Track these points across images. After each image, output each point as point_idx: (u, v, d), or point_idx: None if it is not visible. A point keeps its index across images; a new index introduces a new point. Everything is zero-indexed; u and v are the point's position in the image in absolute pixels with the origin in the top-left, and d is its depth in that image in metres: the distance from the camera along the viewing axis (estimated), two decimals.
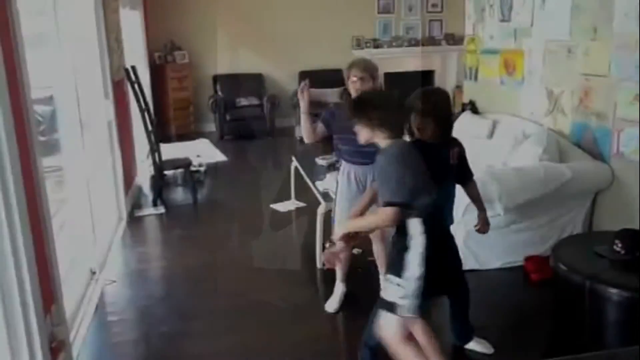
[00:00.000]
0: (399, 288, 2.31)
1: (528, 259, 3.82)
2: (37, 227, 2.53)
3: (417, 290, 2.29)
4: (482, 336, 3.07)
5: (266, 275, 3.95)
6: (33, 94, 2.73)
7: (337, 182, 3.37)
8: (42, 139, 3.80)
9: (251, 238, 4.53)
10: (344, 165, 3.30)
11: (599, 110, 4.07)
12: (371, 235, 3.45)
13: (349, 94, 3.26)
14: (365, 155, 3.26)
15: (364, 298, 3.57)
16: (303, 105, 3.26)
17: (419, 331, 2.52)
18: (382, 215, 2.28)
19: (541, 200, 3.78)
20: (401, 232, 2.34)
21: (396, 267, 2.33)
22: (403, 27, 9.58)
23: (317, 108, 9.78)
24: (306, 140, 3.37)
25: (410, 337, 2.45)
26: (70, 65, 3.81)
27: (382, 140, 2.39)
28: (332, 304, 3.44)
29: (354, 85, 3.21)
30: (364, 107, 2.43)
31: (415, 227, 2.29)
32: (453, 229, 2.87)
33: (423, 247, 2.28)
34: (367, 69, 3.23)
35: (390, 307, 2.35)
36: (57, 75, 3.69)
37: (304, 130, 3.35)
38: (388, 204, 2.24)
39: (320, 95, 8.63)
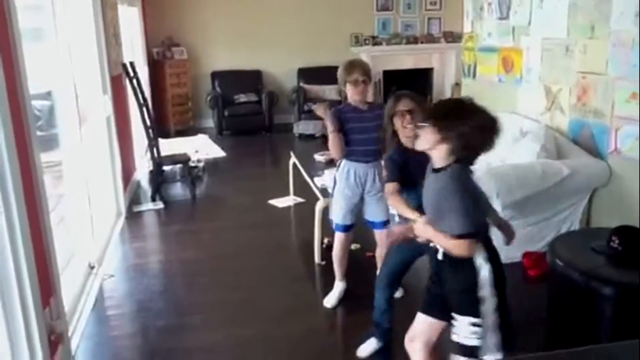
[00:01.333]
0: (475, 328, 2.08)
1: (526, 255, 3.84)
2: (36, 222, 2.54)
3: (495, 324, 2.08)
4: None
5: (264, 270, 3.96)
6: (31, 88, 2.74)
7: (335, 180, 3.37)
8: (40, 134, 3.81)
9: (249, 233, 4.54)
10: (344, 163, 3.30)
11: (596, 107, 4.08)
12: (378, 239, 3.47)
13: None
14: (369, 154, 3.27)
15: (362, 293, 3.59)
16: (332, 124, 3.14)
17: None
18: (461, 247, 2.03)
19: (539, 197, 3.79)
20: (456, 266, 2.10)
21: (467, 306, 2.09)
22: (402, 25, 9.59)
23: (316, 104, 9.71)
24: (337, 157, 3.30)
25: None
26: (68, 60, 3.81)
27: (447, 158, 2.07)
28: (330, 300, 3.45)
29: (357, 87, 3.15)
30: (461, 114, 2.09)
31: (480, 255, 2.08)
32: None
33: (491, 274, 2.07)
34: (368, 71, 3.21)
35: (470, 351, 2.11)
36: (56, 70, 3.69)
37: (336, 148, 3.19)
38: (462, 235, 2.00)
39: (318, 92, 8.65)
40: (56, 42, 3.65)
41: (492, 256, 2.14)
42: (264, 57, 8.92)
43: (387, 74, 9.64)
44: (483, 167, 4.20)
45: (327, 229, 3.78)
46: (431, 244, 2.20)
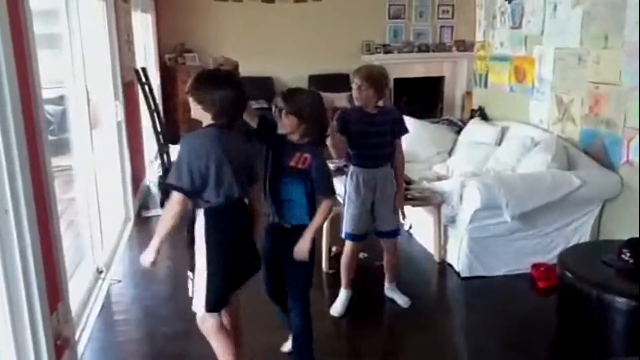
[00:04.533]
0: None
1: (534, 266, 3.80)
2: (45, 226, 2.55)
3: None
4: (484, 344, 3.05)
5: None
6: (44, 93, 2.76)
7: (345, 189, 3.36)
8: (52, 138, 3.84)
9: (258, 240, 4.52)
10: (352, 170, 3.29)
11: (609, 118, 4.05)
12: (384, 245, 3.46)
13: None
14: (376, 158, 3.27)
15: (369, 302, 3.58)
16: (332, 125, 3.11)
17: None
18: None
19: (549, 208, 3.76)
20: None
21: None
22: (413, 33, 9.59)
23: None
24: (337, 158, 3.31)
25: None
26: (81, 65, 3.84)
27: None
28: (337, 308, 3.44)
29: (355, 92, 3.19)
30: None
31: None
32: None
33: (207, 231, 2.38)
34: (369, 76, 3.17)
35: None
36: (68, 75, 3.72)
37: (339, 149, 3.14)
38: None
39: (329, 99, 8.66)
40: (70, 48, 3.68)
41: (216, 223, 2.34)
42: (275, 63, 8.95)
43: (398, 82, 9.63)
44: (492, 175, 4.18)
45: (336, 238, 3.77)
46: None
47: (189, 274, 2.42)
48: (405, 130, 3.38)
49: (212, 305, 2.39)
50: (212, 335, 2.46)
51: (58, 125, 4.35)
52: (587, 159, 4.17)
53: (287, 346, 2.97)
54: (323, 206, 2.58)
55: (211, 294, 2.35)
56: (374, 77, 3.18)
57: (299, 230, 2.59)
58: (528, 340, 3.14)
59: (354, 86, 3.19)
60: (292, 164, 2.56)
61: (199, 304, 2.38)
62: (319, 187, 2.57)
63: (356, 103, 3.24)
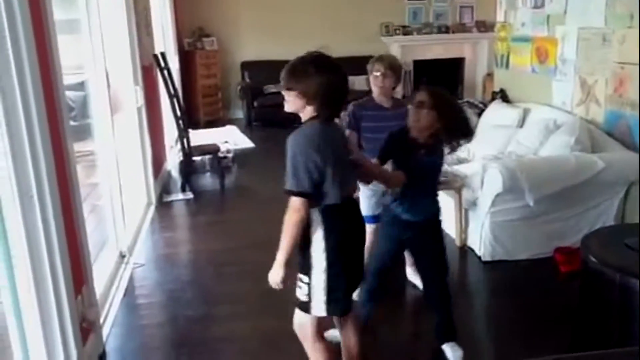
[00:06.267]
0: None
1: (558, 250, 3.76)
2: (69, 211, 2.58)
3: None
4: (506, 329, 3.05)
5: (291, 261, 3.95)
6: (65, 79, 2.78)
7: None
8: (74, 124, 3.87)
9: (277, 225, 4.53)
10: None
11: (634, 99, 3.97)
12: None
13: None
14: None
15: (391, 286, 3.57)
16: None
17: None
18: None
19: (572, 191, 3.71)
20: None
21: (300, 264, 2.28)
22: (433, 14, 9.47)
23: None
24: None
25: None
26: (101, 51, 3.86)
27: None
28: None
29: (376, 80, 3.18)
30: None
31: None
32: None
33: (325, 237, 2.18)
34: (392, 65, 3.20)
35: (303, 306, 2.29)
36: (89, 61, 3.74)
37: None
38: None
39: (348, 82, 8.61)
40: (89, 33, 3.69)
41: (335, 222, 2.17)
42: (293, 47, 8.79)
43: (418, 64, 9.55)
44: (514, 159, 4.13)
45: None
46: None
47: (302, 276, 2.23)
48: None
49: (334, 308, 2.24)
50: (308, 342, 2.35)
51: (80, 110, 4.38)
52: (612, 141, 4.09)
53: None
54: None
55: (332, 295, 2.20)
56: (396, 66, 3.23)
57: (424, 225, 2.69)
58: (550, 325, 3.12)
59: (376, 74, 3.17)
60: (412, 164, 2.55)
61: (317, 307, 2.22)
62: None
63: (375, 92, 3.22)
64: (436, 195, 2.78)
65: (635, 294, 2.64)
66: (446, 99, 2.59)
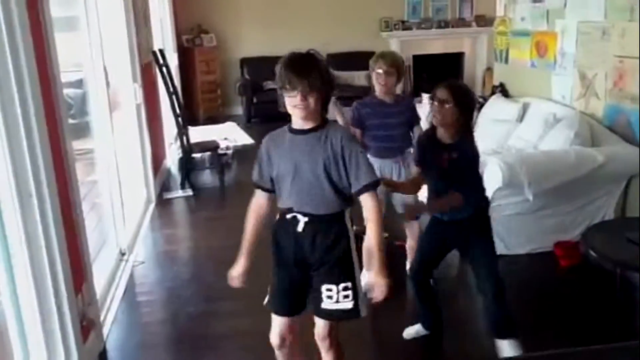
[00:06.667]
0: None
1: (558, 244, 3.76)
2: (68, 209, 2.58)
3: None
4: (507, 322, 3.05)
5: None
6: (64, 77, 2.77)
7: None
8: (73, 121, 3.87)
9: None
10: (372, 161, 3.27)
11: (633, 93, 3.95)
12: (407, 231, 3.45)
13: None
14: (393, 150, 3.25)
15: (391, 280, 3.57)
16: (347, 119, 3.22)
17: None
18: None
19: (572, 185, 3.70)
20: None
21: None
22: (433, 9, 9.44)
23: (345, 90, 9.69)
24: None
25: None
26: (99, 48, 3.85)
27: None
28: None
29: (379, 78, 3.16)
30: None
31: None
32: None
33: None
34: (395, 62, 3.18)
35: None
36: (87, 58, 3.73)
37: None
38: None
39: (348, 79, 8.59)
40: (87, 31, 3.69)
41: None
42: (292, 43, 8.76)
43: (417, 59, 9.52)
44: (513, 153, 4.13)
45: (356, 217, 3.76)
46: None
47: (346, 284, 2.12)
48: (418, 119, 3.38)
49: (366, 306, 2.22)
50: (337, 346, 2.31)
51: (79, 108, 4.38)
52: (611, 135, 4.09)
53: (408, 332, 2.98)
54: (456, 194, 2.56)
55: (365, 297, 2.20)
56: (399, 63, 3.22)
57: (466, 221, 2.63)
58: (550, 319, 3.12)
59: (378, 72, 3.15)
60: (444, 165, 2.53)
61: (363, 308, 2.18)
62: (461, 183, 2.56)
63: (378, 90, 3.20)
64: (477, 189, 2.68)
65: (636, 287, 2.65)
66: (465, 92, 2.57)
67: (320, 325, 2.22)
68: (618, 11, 4.08)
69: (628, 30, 3.99)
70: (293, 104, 1.98)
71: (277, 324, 2.30)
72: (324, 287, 2.13)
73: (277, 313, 2.30)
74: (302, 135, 2.06)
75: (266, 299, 2.34)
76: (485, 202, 2.75)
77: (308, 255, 2.13)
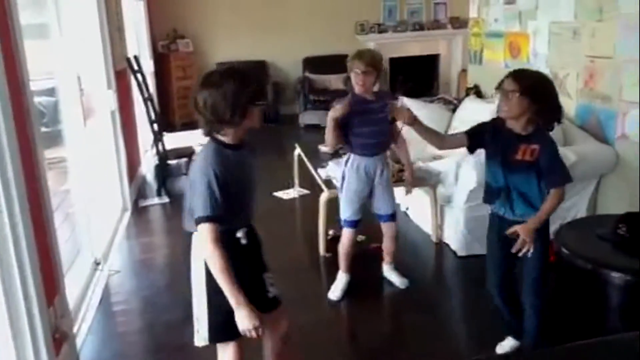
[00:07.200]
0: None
1: None
2: (39, 219, 2.54)
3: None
4: (482, 323, 3.07)
5: (269, 262, 3.94)
6: (35, 85, 2.73)
7: (344, 175, 3.32)
8: (45, 130, 3.82)
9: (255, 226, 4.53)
10: (353, 158, 3.26)
11: (604, 92, 4.02)
12: (384, 232, 3.46)
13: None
14: (377, 146, 3.25)
15: (367, 284, 3.58)
16: (338, 111, 3.06)
17: None
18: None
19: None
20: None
21: None
22: (408, 11, 9.51)
23: (321, 94, 9.69)
24: (330, 149, 3.26)
25: None
26: (71, 55, 3.81)
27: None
28: (335, 292, 3.44)
29: (357, 78, 3.12)
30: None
31: None
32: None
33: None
34: (372, 62, 3.13)
35: None
36: (59, 65, 3.69)
37: (334, 138, 3.16)
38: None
39: (324, 82, 8.60)
40: (60, 38, 3.64)
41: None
42: (268, 47, 8.88)
43: (394, 62, 9.57)
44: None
45: (332, 221, 3.77)
46: None
47: None
48: None
49: None
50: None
51: (51, 116, 4.33)
52: (583, 134, 4.14)
53: (503, 347, 2.84)
54: (553, 194, 2.42)
55: None
56: (377, 61, 3.16)
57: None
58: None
59: (357, 71, 3.10)
60: (517, 157, 2.40)
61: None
62: (552, 180, 2.42)
63: (357, 89, 3.15)
64: (546, 188, 2.49)
65: (608, 284, 2.68)
66: (536, 79, 2.41)
67: None
68: (587, 12, 4.15)
69: (598, 30, 4.06)
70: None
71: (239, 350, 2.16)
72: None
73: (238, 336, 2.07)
74: (240, 151, 2.08)
75: (209, 335, 2.12)
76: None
77: (257, 263, 2.18)
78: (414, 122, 2.70)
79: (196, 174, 1.98)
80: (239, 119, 1.96)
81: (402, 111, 2.80)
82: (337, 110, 3.06)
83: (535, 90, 2.33)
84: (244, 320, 1.92)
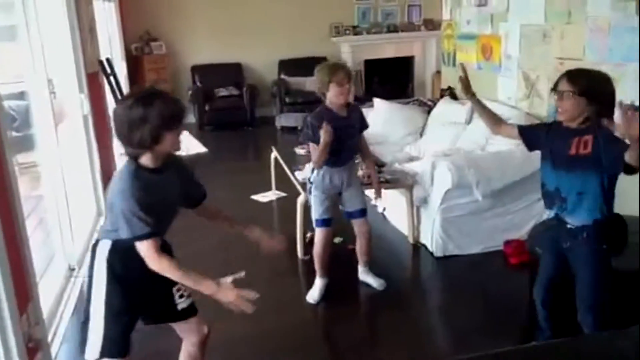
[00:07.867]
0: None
1: (507, 243, 3.85)
2: (10, 225, 2.50)
3: None
4: (460, 323, 3.10)
5: (247, 265, 3.90)
6: (5, 89, 2.68)
7: (310, 180, 3.36)
8: (16, 134, 3.75)
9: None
10: (324, 170, 3.28)
11: None
12: (357, 231, 3.46)
13: None
14: (346, 157, 3.27)
15: (345, 286, 3.59)
16: (331, 135, 3.08)
17: None
18: None
19: (519, 185, 3.81)
20: None
21: None
22: (382, 14, 9.56)
23: (297, 96, 9.68)
24: (317, 167, 3.26)
25: None
26: (41, 58, 3.74)
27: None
28: (313, 295, 3.44)
29: (341, 90, 3.09)
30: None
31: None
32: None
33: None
34: (350, 72, 3.20)
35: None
36: (29, 68, 3.62)
37: (321, 159, 3.17)
38: None
39: (300, 84, 8.60)
40: (29, 40, 3.58)
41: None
42: (243, 49, 8.85)
43: (369, 64, 9.64)
44: (462, 155, 4.21)
45: (310, 224, 3.76)
46: None
47: None
48: (367, 126, 3.43)
49: None
50: None
51: (23, 120, 4.25)
52: None
53: None
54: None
55: None
56: (351, 73, 3.22)
57: (586, 231, 2.28)
58: (503, 317, 3.19)
59: (337, 86, 3.07)
60: (572, 152, 2.26)
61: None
62: (617, 166, 2.14)
63: (336, 103, 3.16)
64: (609, 191, 2.29)
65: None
66: (593, 78, 2.28)
67: None
68: (557, 14, 4.22)
69: (566, 33, 4.13)
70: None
71: None
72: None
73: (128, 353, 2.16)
74: (160, 174, 2.10)
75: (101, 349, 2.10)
76: (610, 207, 2.32)
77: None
78: (472, 95, 2.75)
79: (116, 197, 1.97)
80: (151, 144, 1.94)
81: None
82: (330, 134, 3.08)
83: (592, 91, 2.21)
84: (227, 295, 2.05)
